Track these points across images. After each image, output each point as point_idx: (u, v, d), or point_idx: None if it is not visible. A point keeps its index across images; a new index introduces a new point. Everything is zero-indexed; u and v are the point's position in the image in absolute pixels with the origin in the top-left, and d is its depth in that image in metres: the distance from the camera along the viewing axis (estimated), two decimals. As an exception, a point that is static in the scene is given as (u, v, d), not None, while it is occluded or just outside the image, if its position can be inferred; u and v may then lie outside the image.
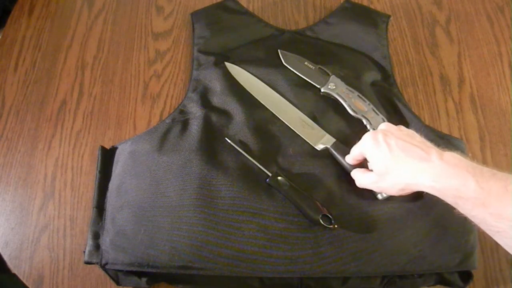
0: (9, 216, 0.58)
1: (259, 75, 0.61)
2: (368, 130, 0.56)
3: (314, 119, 0.57)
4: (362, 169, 0.50)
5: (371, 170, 0.48)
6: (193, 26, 0.68)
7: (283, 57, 0.62)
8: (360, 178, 0.50)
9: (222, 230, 0.49)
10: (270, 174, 0.52)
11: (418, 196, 0.51)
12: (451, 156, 0.41)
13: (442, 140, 0.56)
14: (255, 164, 0.53)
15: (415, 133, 0.47)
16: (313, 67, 0.61)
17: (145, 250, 0.49)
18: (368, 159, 0.48)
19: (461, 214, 0.41)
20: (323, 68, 0.61)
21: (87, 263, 0.51)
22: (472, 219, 0.40)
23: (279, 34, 0.67)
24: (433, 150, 0.42)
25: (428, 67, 0.67)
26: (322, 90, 0.59)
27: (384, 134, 0.46)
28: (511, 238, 0.37)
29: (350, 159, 0.52)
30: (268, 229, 0.49)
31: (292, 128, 0.56)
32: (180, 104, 0.60)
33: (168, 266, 0.48)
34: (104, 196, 0.54)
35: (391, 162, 0.44)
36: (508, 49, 0.68)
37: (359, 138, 0.55)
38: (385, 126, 0.48)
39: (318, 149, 0.55)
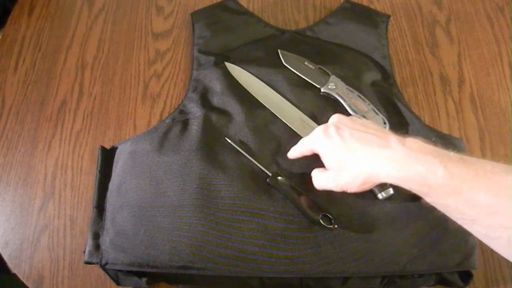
0: (9, 216, 0.58)
1: (259, 75, 0.61)
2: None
3: (314, 119, 0.57)
4: (321, 168, 0.46)
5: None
6: (193, 26, 0.68)
7: (283, 57, 0.62)
8: (318, 178, 0.46)
9: (222, 230, 0.49)
10: (270, 174, 0.52)
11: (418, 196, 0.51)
12: (413, 141, 0.38)
13: (442, 140, 0.56)
14: (255, 164, 0.53)
15: (370, 122, 0.44)
16: (313, 67, 0.61)
17: (145, 250, 0.49)
18: (321, 155, 0.44)
19: (429, 204, 0.38)
20: (323, 68, 0.61)
21: (87, 263, 0.51)
22: (443, 209, 0.37)
23: (279, 34, 0.67)
24: (392, 137, 0.39)
25: (428, 67, 0.67)
26: (322, 90, 0.59)
27: (336, 126, 0.43)
28: (487, 227, 0.34)
29: (296, 152, 0.47)
30: (268, 229, 0.49)
31: (292, 128, 0.56)
32: (180, 104, 0.60)
33: (168, 266, 0.48)
34: (104, 196, 0.54)
35: (347, 154, 0.40)
36: (508, 49, 0.68)
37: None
38: (336, 118, 0.45)
39: (318, 149, 0.55)
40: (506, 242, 0.33)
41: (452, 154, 0.37)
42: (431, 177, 0.35)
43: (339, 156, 0.41)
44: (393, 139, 0.39)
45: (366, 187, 0.42)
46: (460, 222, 0.36)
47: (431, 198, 0.37)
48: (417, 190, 0.37)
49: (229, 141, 0.55)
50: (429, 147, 0.38)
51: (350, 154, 0.40)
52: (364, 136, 0.40)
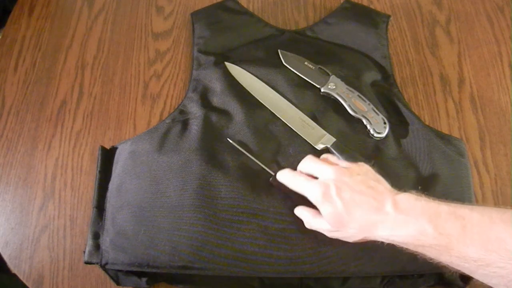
0: (9, 216, 0.58)
1: (259, 75, 0.61)
2: (368, 130, 0.56)
3: (314, 119, 0.57)
4: (312, 211, 0.45)
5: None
6: (193, 26, 0.68)
7: (283, 57, 0.62)
8: (311, 222, 0.46)
9: (222, 231, 0.49)
10: (273, 174, 0.52)
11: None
12: (405, 200, 0.40)
13: (442, 140, 0.56)
14: (256, 164, 0.53)
15: (367, 170, 0.44)
16: (313, 67, 0.61)
17: (145, 250, 0.49)
18: (321, 212, 0.44)
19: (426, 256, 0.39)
20: (323, 68, 0.61)
21: (87, 263, 0.51)
22: (442, 262, 0.38)
23: (279, 34, 0.67)
24: (386, 197, 0.40)
25: (428, 67, 0.67)
26: (322, 90, 0.59)
27: (336, 187, 0.42)
28: (480, 276, 0.36)
29: (287, 182, 0.47)
30: (268, 229, 0.49)
31: (292, 128, 0.56)
32: (180, 104, 0.60)
33: (168, 266, 0.48)
34: (104, 196, 0.54)
35: (347, 217, 0.41)
36: (508, 49, 0.68)
37: (359, 139, 0.56)
38: (335, 174, 0.43)
39: (318, 149, 0.55)
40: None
41: (442, 207, 0.38)
42: (423, 239, 0.37)
43: (340, 219, 0.42)
44: (388, 200, 0.40)
45: (364, 241, 0.44)
46: (460, 271, 0.38)
47: (427, 255, 0.39)
48: (413, 249, 0.40)
49: (231, 141, 0.55)
50: (420, 203, 0.39)
51: (350, 218, 0.41)
52: (363, 200, 0.41)
